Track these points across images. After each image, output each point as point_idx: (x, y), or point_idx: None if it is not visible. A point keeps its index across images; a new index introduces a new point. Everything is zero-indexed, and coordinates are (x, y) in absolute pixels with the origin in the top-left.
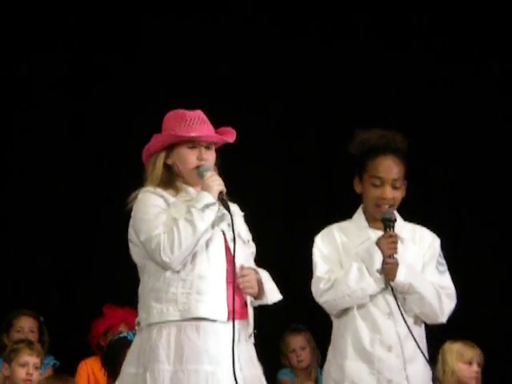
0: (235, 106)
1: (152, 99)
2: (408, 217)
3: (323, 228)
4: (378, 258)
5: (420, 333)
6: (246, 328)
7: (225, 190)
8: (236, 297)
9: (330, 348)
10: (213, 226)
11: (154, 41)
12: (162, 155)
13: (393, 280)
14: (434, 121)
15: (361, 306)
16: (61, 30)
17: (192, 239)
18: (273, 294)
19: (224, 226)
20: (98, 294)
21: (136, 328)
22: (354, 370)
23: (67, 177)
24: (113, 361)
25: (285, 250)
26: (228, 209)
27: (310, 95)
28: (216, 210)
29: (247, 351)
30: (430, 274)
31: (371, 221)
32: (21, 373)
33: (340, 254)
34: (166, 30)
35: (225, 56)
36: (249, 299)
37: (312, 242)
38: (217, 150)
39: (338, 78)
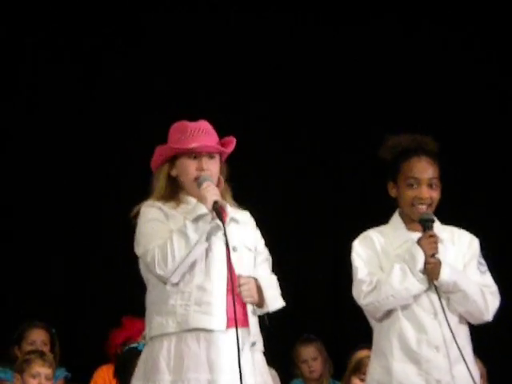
0: (238, 111)
1: (152, 101)
2: (447, 220)
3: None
4: (420, 258)
5: (465, 332)
6: (248, 336)
7: (220, 199)
8: (237, 305)
9: (373, 352)
10: (209, 236)
11: (153, 44)
12: (166, 167)
13: (436, 279)
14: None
15: (405, 307)
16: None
17: (185, 251)
18: (274, 302)
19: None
20: (109, 305)
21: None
22: (402, 371)
23: (78, 188)
24: (124, 371)
25: (295, 261)
26: (221, 219)
27: (314, 101)
28: (209, 220)
29: (251, 360)
30: (472, 274)
31: (408, 223)
32: None
33: (379, 257)
34: (168, 32)
35: (227, 60)
36: (250, 308)
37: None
38: (226, 161)
39: (341, 87)
